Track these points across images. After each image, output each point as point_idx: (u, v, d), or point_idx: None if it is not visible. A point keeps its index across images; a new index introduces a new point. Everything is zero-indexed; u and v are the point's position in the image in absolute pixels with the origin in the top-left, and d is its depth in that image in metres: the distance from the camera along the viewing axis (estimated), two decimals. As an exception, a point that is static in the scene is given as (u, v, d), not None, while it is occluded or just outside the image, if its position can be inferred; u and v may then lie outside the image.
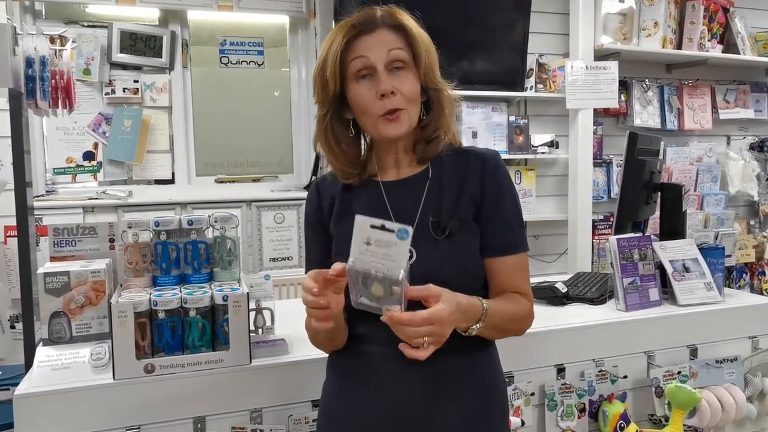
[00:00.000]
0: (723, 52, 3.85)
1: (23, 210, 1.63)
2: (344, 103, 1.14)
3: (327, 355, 1.24)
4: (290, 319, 1.52)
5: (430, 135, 1.16)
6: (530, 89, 3.48)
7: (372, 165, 1.19)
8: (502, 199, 1.15)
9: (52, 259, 1.50)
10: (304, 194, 3.28)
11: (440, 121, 1.16)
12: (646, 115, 3.76)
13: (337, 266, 0.93)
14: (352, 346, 1.16)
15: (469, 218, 1.13)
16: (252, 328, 1.47)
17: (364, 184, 1.19)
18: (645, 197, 2.05)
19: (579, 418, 1.64)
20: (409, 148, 1.17)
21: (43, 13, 2.99)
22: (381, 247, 0.86)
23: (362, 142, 1.21)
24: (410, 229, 0.87)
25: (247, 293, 1.35)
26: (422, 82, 1.13)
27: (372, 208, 1.13)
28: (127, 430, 1.30)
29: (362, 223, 0.88)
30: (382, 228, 0.86)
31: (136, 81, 3.09)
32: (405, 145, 1.17)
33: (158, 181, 3.19)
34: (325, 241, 1.19)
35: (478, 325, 1.05)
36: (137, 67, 3.10)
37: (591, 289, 1.98)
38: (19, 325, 2.15)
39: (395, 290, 0.88)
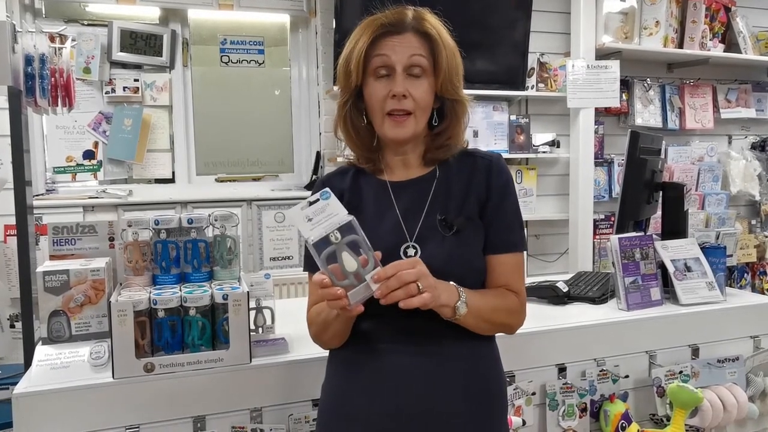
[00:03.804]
0: (724, 51, 3.84)
1: (23, 209, 1.62)
2: (362, 95, 1.18)
3: (327, 353, 1.24)
4: (290, 318, 1.52)
5: (442, 142, 1.20)
6: (531, 88, 3.48)
7: (379, 162, 1.22)
8: (506, 200, 1.19)
9: (52, 257, 1.49)
10: (305, 193, 3.28)
11: (453, 130, 1.20)
12: (647, 115, 3.76)
13: (317, 277, 0.99)
14: (356, 343, 1.16)
15: (475, 216, 1.16)
16: (252, 327, 1.46)
17: (373, 182, 1.21)
18: (647, 196, 2.05)
19: (580, 417, 1.64)
20: (419, 151, 1.21)
21: (43, 12, 2.99)
22: (319, 214, 0.99)
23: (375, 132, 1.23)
24: (327, 190, 1.02)
25: (248, 292, 1.35)
26: (438, 91, 1.16)
27: (380, 209, 1.16)
28: (126, 429, 1.29)
29: (293, 213, 1.01)
30: (309, 204, 1.01)
31: (136, 80, 3.08)
32: (415, 149, 1.21)
33: (158, 180, 3.19)
34: None
35: (460, 301, 1.06)
36: (137, 66, 3.10)
37: (592, 289, 1.98)
38: (19, 324, 2.15)
39: (363, 248, 0.98)
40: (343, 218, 0.99)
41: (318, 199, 1.01)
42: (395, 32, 1.13)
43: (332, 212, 1.00)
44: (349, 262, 0.98)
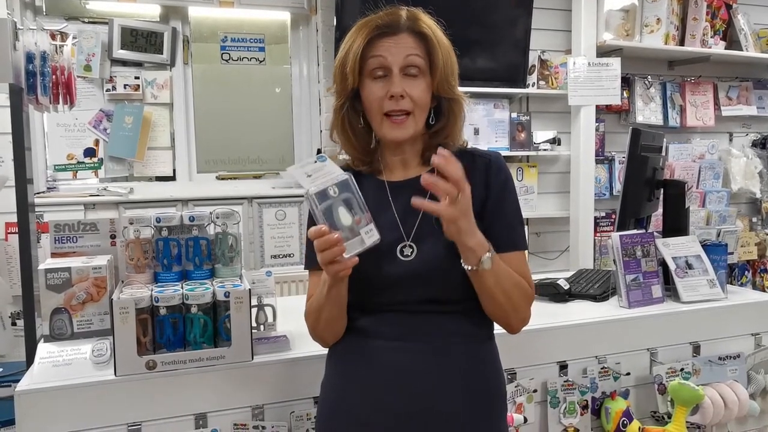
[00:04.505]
0: (726, 48, 3.84)
1: (24, 207, 1.62)
2: (359, 97, 1.18)
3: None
4: (292, 316, 1.52)
5: (440, 141, 1.19)
6: (532, 86, 3.47)
7: (377, 163, 1.22)
8: (505, 199, 1.18)
9: (53, 255, 1.49)
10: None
11: (451, 128, 1.20)
12: (648, 112, 3.75)
13: (315, 228, 1.01)
14: (355, 340, 1.16)
15: (474, 216, 1.14)
16: (254, 324, 1.46)
17: (371, 183, 1.21)
18: (648, 194, 2.05)
19: (581, 414, 1.64)
20: (417, 151, 1.21)
21: (44, 9, 2.98)
22: (318, 172, 1.06)
23: (373, 134, 1.22)
24: (324, 155, 1.09)
25: (249, 289, 1.35)
26: (435, 90, 1.16)
27: (378, 209, 1.15)
28: (128, 426, 1.29)
29: (293, 169, 1.07)
30: (307, 164, 1.07)
31: (137, 77, 3.08)
32: (413, 148, 1.20)
33: (159, 178, 3.19)
34: None
35: (488, 255, 1.05)
36: (138, 64, 3.09)
37: (593, 286, 1.98)
38: (21, 322, 2.15)
39: (355, 207, 1.03)
40: (340, 176, 1.04)
41: (315, 161, 1.07)
42: (390, 33, 1.13)
43: (330, 171, 1.05)
44: (345, 216, 1.03)
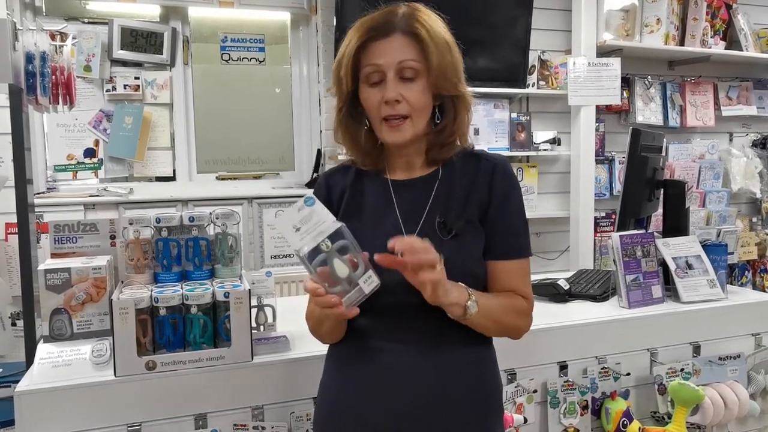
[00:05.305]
0: (726, 48, 3.84)
1: (24, 207, 1.62)
2: (358, 100, 1.16)
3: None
4: (292, 316, 1.52)
5: (444, 140, 1.18)
6: (532, 86, 3.47)
7: (381, 161, 1.21)
8: (510, 205, 1.17)
9: (53, 255, 1.49)
10: (306, 191, 3.28)
11: (454, 126, 1.18)
12: (648, 112, 3.75)
13: (310, 286, 0.99)
14: (355, 339, 1.16)
15: (476, 220, 1.15)
16: (254, 324, 1.46)
17: (375, 181, 1.20)
18: (648, 194, 2.05)
19: (581, 415, 1.64)
20: (422, 150, 1.19)
21: (44, 10, 2.98)
22: (306, 223, 0.99)
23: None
24: (310, 195, 1.02)
25: (249, 290, 1.35)
26: (434, 90, 1.13)
27: (380, 207, 1.15)
28: (128, 427, 1.29)
29: (281, 224, 1.00)
30: (294, 212, 1.00)
31: (136, 78, 3.08)
32: (417, 148, 1.19)
33: (159, 178, 3.19)
34: None
35: (471, 300, 1.05)
36: (138, 64, 3.09)
37: (593, 286, 1.98)
38: (20, 322, 2.15)
39: (351, 254, 0.98)
40: (330, 226, 0.99)
41: (303, 206, 1.01)
42: (383, 35, 1.11)
43: (319, 220, 0.99)
44: (341, 268, 0.98)
